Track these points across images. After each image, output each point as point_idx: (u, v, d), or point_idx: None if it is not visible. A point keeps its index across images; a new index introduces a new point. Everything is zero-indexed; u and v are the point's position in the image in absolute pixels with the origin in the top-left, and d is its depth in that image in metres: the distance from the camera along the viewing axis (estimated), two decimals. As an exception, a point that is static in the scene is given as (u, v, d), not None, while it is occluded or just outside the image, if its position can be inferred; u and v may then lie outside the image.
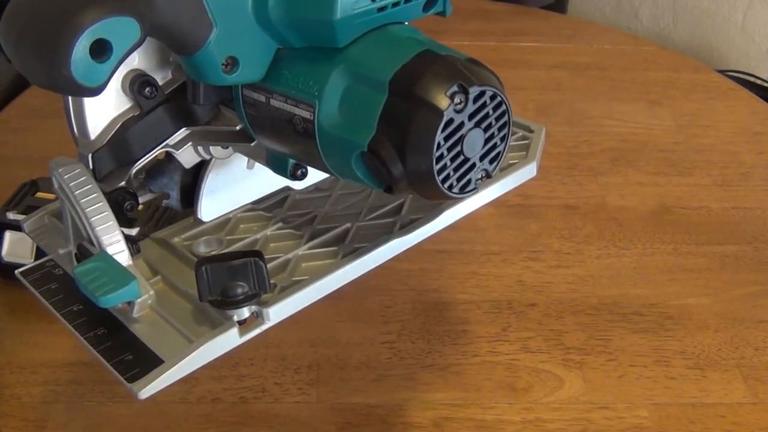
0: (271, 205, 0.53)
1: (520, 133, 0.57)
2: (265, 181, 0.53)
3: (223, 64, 0.42)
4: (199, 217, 0.52)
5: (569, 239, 0.76)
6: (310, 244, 0.49)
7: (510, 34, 1.13)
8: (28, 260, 0.64)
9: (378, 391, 0.60)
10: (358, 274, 0.47)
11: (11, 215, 0.65)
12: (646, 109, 0.97)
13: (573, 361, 0.63)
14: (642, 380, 0.62)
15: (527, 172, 0.54)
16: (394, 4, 0.43)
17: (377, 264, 0.48)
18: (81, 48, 0.36)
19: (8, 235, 0.65)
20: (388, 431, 0.57)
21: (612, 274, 0.72)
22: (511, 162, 0.54)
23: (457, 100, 0.40)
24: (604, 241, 0.76)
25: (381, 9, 0.43)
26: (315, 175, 0.53)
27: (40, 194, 0.67)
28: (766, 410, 0.60)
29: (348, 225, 0.50)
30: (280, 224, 0.51)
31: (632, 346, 0.65)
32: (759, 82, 1.34)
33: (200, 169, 0.51)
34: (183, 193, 0.51)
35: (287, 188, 0.54)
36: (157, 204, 0.56)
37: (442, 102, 0.39)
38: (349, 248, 0.48)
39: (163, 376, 0.41)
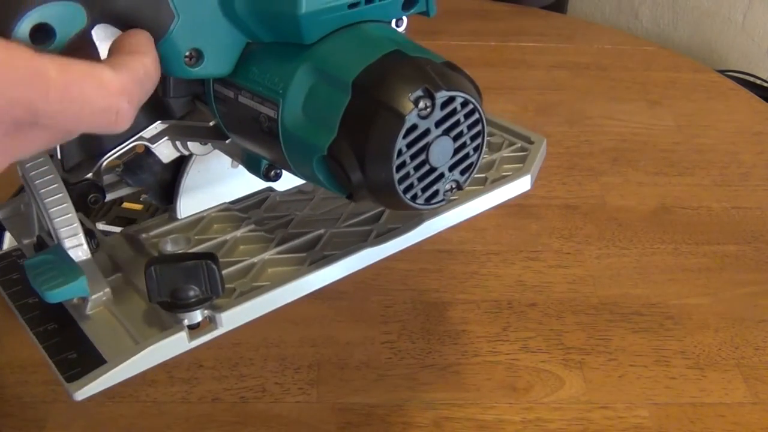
0: (248, 206, 0.51)
1: (519, 144, 0.53)
2: (248, 181, 0.51)
3: (186, 57, 0.40)
4: (176, 214, 0.50)
5: (569, 239, 0.76)
6: (279, 248, 0.47)
7: (510, 34, 1.13)
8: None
9: (378, 391, 0.60)
10: (323, 284, 0.45)
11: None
12: (646, 109, 0.97)
13: (573, 361, 0.63)
14: (642, 380, 0.62)
15: (520, 185, 0.51)
16: (368, 1, 0.41)
17: (345, 274, 0.46)
18: (20, 32, 0.35)
19: (8, 234, 0.65)
20: (388, 431, 0.57)
21: (612, 274, 0.72)
22: (504, 174, 0.51)
23: (421, 105, 0.37)
24: (604, 241, 0.76)
25: (352, 5, 0.40)
26: (298, 179, 0.51)
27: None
28: (766, 410, 0.60)
29: (321, 231, 0.48)
30: (252, 226, 0.49)
31: (632, 346, 0.65)
32: (759, 82, 1.34)
33: (181, 165, 0.49)
34: (162, 189, 0.50)
35: (270, 189, 0.52)
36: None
37: (405, 106, 0.37)
38: (318, 255, 0.46)
39: (102, 377, 0.39)
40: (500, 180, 0.51)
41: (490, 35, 1.13)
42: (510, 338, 0.65)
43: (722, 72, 1.13)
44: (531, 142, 0.54)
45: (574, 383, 0.62)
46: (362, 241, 0.47)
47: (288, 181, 0.51)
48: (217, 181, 0.51)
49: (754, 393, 0.61)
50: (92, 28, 0.37)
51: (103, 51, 0.39)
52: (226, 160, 0.50)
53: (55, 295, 0.41)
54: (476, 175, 0.50)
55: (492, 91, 0.97)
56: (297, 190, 0.53)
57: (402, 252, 0.48)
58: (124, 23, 0.38)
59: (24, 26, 0.35)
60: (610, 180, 0.84)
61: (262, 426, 0.57)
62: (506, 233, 0.76)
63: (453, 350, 0.64)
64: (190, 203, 0.50)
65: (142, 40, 0.37)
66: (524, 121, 0.93)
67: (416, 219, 0.48)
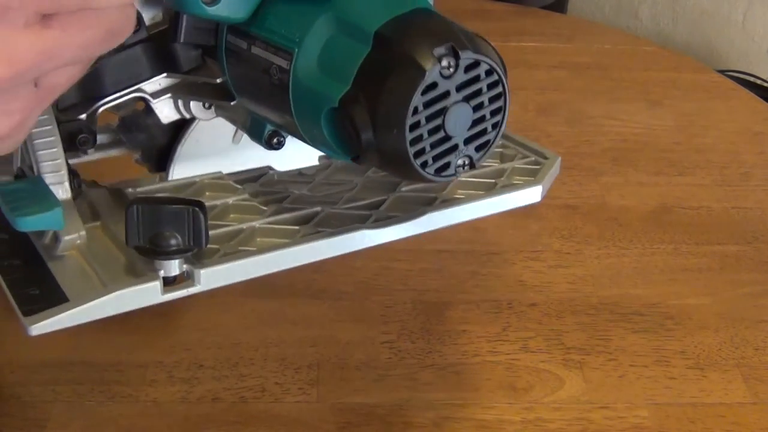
0: (243, 179, 0.49)
1: (533, 158, 0.52)
2: (247, 158, 0.49)
3: None
4: (168, 178, 0.48)
5: (569, 239, 0.76)
6: (271, 219, 0.45)
7: (510, 34, 1.13)
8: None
9: (378, 391, 0.60)
10: (311, 260, 0.43)
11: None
12: (646, 109, 0.97)
13: (573, 361, 0.63)
14: (642, 380, 0.62)
15: (530, 195, 0.49)
16: None
17: (337, 253, 0.44)
18: None
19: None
20: (388, 431, 0.57)
21: (612, 274, 0.72)
22: (514, 182, 0.50)
23: (444, 63, 0.35)
24: (604, 241, 0.76)
25: None
26: (299, 161, 0.49)
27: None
28: (766, 410, 0.60)
29: (318, 209, 0.46)
30: (246, 196, 0.47)
31: (632, 346, 0.65)
32: (759, 82, 1.35)
33: (179, 131, 0.48)
34: (156, 154, 0.48)
35: (269, 167, 0.51)
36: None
37: (428, 61, 0.35)
38: (311, 230, 0.44)
39: (61, 315, 0.37)
40: (510, 187, 0.50)
41: (490, 35, 1.12)
42: (510, 338, 0.65)
43: (722, 72, 1.13)
44: (545, 158, 0.53)
45: (574, 383, 0.62)
46: (359, 223, 0.45)
47: (289, 162, 0.49)
48: (214, 154, 0.49)
49: (754, 393, 0.61)
50: None
51: None
52: (228, 133, 0.48)
53: (27, 222, 0.39)
54: (485, 180, 0.49)
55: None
56: (297, 172, 0.51)
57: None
58: None
59: None
60: (610, 180, 0.84)
61: (262, 426, 0.57)
62: (506, 233, 0.76)
63: (453, 350, 0.64)
64: (183, 172, 0.48)
65: None
66: (524, 121, 0.93)
67: (418, 211, 0.47)
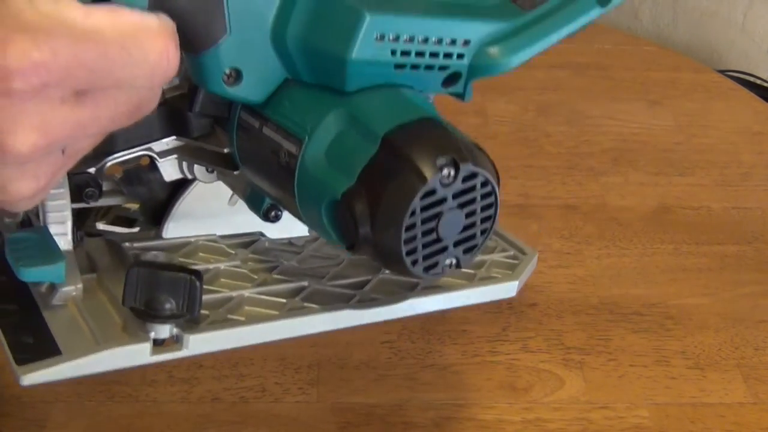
0: (236, 244, 0.51)
1: (512, 252, 0.54)
2: (241, 222, 0.51)
3: (225, 74, 0.40)
4: (161, 233, 0.50)
5: (569, 239, 0.76)
6: (260, 289, 0.47)
7: (510, 34, 1.13)
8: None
9: (378, 390, 0.60)
10: (295, 335, 0.45)
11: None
12: (646, 109, 0.97)
13: (573, 361, 0.63)
14: (642, 380, 0.62)
15: (506, 290, 0.52)
16: (414, 66, 0.41)
17: (319, 330, 0.46)
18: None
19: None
20: (388, 431, 0.57)
21: (612, 274, 0.72)
22: (493, 275, 0.52)
23: (445, 172, 0.38)
24: (604, 241, 0.76)
25: (399, 66, 0.41)
26: (290, 230, 0.51)
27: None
28: (766, 410, 0.60)
29: (305, 283, 0.48)
30: (237, 262, 0.49)
31: (632, 346, 0.65)
32: (759, 82, 1.34)
33: (178, 189, 0.49)
34: (154, 208, 0.50)
35: (260, 234, 0.52)
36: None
37: (430, 169, 0.37)
38: (297, 305, 0.46)
39: (54, 368, 0.38)
40: (488, 279, 0.52)
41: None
42: (510, 338, 0.65)
43: (722, 72, 1.13)
44: (524, 254, 0.55)
45: (574, 383, 0.62)
46: (343, 302, 0.47)
47: (280, 231, 0.51)
48: (210, 214, 0.50)
49: (754, 393, 0.61)
50: None
51: None
52: (225, 196, 0.50)
53: (29, 273, 0.40)
54: (466, 270, 0.51)
55: (492, 90, 0.97)
56: (287, 242, 0.53)
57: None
58: (177, 24, 0.38)
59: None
60: (610, 180, 0.84)
61: (262, 426, 0.57)
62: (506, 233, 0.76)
63: (453, 350, 0.64)
64: (177, 228, 0.50)
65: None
66: (524, 121, 0.93)
67: (399, 295, 0.48)
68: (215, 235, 0.51)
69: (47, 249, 0.41)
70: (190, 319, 0.41)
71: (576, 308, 0.68)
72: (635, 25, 1.48)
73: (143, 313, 0.40)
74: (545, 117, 0.95)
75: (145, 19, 0.33)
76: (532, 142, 0.90)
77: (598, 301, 0.69)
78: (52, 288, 0.42)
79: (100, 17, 0.31)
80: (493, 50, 0.43)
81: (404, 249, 0.39)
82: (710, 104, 0.99)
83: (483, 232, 0.41)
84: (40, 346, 0.39)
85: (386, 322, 0.65)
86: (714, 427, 0.59)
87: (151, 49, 0.33)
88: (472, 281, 0.51)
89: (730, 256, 0.75)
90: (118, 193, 0.49)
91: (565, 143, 0.90)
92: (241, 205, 0.49)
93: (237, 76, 0.41)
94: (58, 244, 0.42)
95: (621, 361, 0.64)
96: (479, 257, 0.52)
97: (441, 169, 0.38)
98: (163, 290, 0.40)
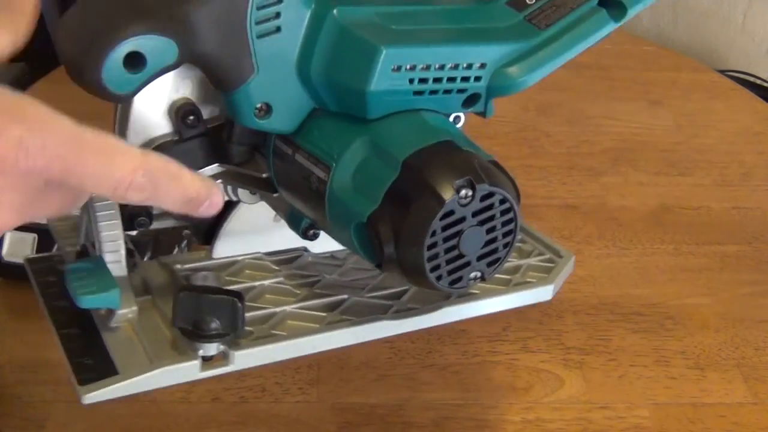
0: (281, 260, 0.53)
1: (548, 255, 0.55)
2: (285, 237, 0.53)
3: (257, 109, 0.43)
4: (211, 253, 0.52)
5: (569, 239, 0.76)
6: (302, 304, 0.49)
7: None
8: (28, 260, 0.64)
9: (378, 390, 0.60)
10: (336, 346, 0.47)
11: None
12: (646, 109, 0.97)
13: (573, 361, 0.63)
14: (642, 380, 0.62)
15: (542, 293, 0.53)
16: (432, 92, 0.43)
17: (358, 341, 0.48)
18: (116, 55, 0.38)
19: (8, 235, 0.65)
20: (388, 431, 0.57)
21: (612, 274, 0.72)
22: (528, 280, 0.53)
23: (462, 193, 0.39)
24: (604, 241, 0.76)
25: (417, 93, 0.43)
26: (333, 244, 0.53)
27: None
28: (766, 410, 0.60)
29: (344, 296, 0.50)
30: (281, 279, 0.51)
31: (632, 346, 0.65)
32: (759, 82, 1.34)
33: (226, 209, 0.51)
34: (203, 229, 0.52)
35: (304, 249, 0.54)
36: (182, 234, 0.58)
37: (447, 192, 0.39)
38: (336, 318, 0.48)
39: (111, 387, 0.41)
40: (523, 284, 0.52)
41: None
42: (510, 338, 0.65)
43: (722, 72, 1.13)
44: (560, 256, 0.55)
45: (574, 383, 0.62)
46: (381, 313, 0.49)
47: (322, 245, 0.53)
48: (256, 232, 0.53)
49: (754, 393, 0.61)
50: (179, 65, 0.40)
51: (177, 86, 0.45)
52: (269, 213, 0.52)
53: (88, 300, 0.43)
54: (501, 276, 0.52)
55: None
56: (330, 255, 0.55)
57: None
58: (208, 67, 0.42)
59: (120, 51, 0.38)
60: (610, 180, 0.84)
61: (262, 426, 0.57)
62: (506, 233, 0.76)
63: (453, 350, 0.64)
64: (226, 247, 0.52)
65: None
66: (524, 121, 0.93)
67: (435, 304, 0.50)
68: (260, 253, 0.53)
69: (103, 277, 0.44)
70: (235, 336, 0.44)
71: (576, 308, 0.68)
72: (635, 25, 1.48)
73: (192, 333, 0.43)
74: (545, 117, 0.95)
75: (129, 147, 0.36)
76: (532, 141, 0.90)
77: (598, 301, 0.69)
78: (110, 312, 0.45)
79: (85, 128, 0.35)
80: (511, 70, 0.45)
81: (428, 266, 0.40)
82: (710, 104, 0.99)
83: (505, 245, 0.42)
84: (99, 367, 0.42)
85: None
86: (714, 427, 0.59)
87: (120, 167, 0.35)
88: (507, 286, 0.52)
89: (730, 256, 0.75)
90: (169, 217, 0.51)
91: (565, 143, 0.90)
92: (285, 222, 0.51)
93: (267, 109, 0.43)
94: (114, 270, 0.45)
95: (621, 361, 0.64)
96: (515, 262, 0.54)
97: (458, 190, 0.39)
98: (209, 311, 0.43)
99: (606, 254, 0.74)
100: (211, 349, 0.43)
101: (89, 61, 0.38)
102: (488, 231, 0.41)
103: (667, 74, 1.05)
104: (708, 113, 0.97)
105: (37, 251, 0.63)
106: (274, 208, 0.51)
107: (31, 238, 0.64)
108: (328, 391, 0.60)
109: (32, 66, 1.03)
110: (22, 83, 0.96)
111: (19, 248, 0.65)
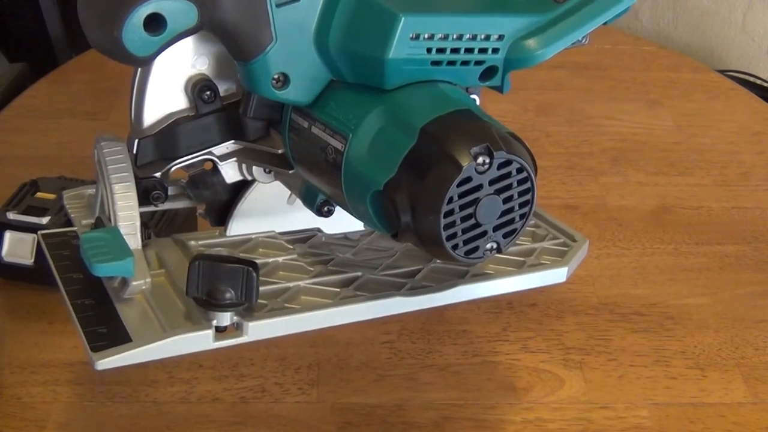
0: (294, 239, 0.54)
1: (562, 239, 0.55)
2: (300, 219, 0.53)
3: (274, 79, 0.43)
4: (226, 232, 0.53)
5: (569, 239, 0.76)
6: (315, 280, 0.49)
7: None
8: (28, 260, 0.64)
9: (378, 391, 0.60)
10: (349, 321, 0.47)
11: (11, 215, 0.64)
12: (646, 109, 0.97)
13: (573, 361, 0.63)
14: (642, 380, 0.62)
15: (555, 275, 0.52)
16: (449, 63, 0.43)
17: (371, 317, 0.48)
18: (137, 17, 0.38)
19: (8, 235, 0.65)
20: (388, 431, 0.57)
21: (612, 274, 0.72)
22: (542, 262, 0.53)
23: (480, 160, 0.39)
24: (604, 241, 0.76)
25: (435, 63, 0.43)
26: (346, 225, 0.53)
27: (40, 194, 0.67)
28: (766, 410, 0.60)
29: (358, 273, 0.50)
30: (295, 256, 0.51)
31: (632, 346, 0.65)
32: (759, 82, 1.34)
33: (240, 190, 0.52)
34: (218, 209, 0.52)
35: (317, 229, 0.55)
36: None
37: (465, 158, 0.39)
38: (350, 293, 0.48)
39: (125, 354, 0.41)
40: (537, 266, 0.52)
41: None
42: (510, 338, 0.65)
43: (722, 72, 1.13)
44: (574, 241, 0.55)
45: (574, 383, 0.62)
46: (395, 290, 0.49)
47: (336, 225, 0.54)
48: (270, 213, 0.53)
49: (754, 393, 0.61)
50: (198, 30, 0.40)
51: (194, 62, 0.45)
52: (284, 194, 0.53)
53: (102, 268, 0.43)
54: (515, 258, 0.52)
55: (492, 90, 0.97)
56: (343, 236, 0.55)
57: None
58: (226, 35, 0.42)
59: (140, 12, 0.38)
60: (610, 180, 0.84)
61: (262, 426, 0.57)
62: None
63: (453, 350, 0.64)
64: (240, 226, 0.53)
65: None
66: (524, 121, 0.93)
67: (450, 282, 0.50)
68: (274, 232, 0.53)
69: (117, 246, 0.44)
70: (249, 308, 0.44)
71: (576, 308, 0.68)
72: (635, 25, 1.48)
73: (205, 303, 0.43)
74: (545, 117, 0.95)
75: None
76: (532, 142, 0.89)
77: (597, 301, 0.69)
78: (124, 283, 0.45)
79: None
80: (528, 42, 0.45)
81: (444, 234, 0.40)
82: (710, 104, 0.99)
83: (522, 216, 0.42)
84: (113, 335, 0.43)
85: (386, 322, 0.65)
86: (714, 427, 0.59)
87: None
88: (521, 268, 0.52)
89: (729, 256, 0.75)
90: (184, 197, 0.51)
91: (565, 143, 0.90)
92: (299, 203, 0.51)
93: (285, 80, 0.44)
94: (129, 243, 0.45)
95: (621, 361, 0.64)
96: (529, 245, 0.54)
97: (476, 157, 0.39)
98: (223, 280, 0.42)
99: (606, 254, 0.74)
100: (225, 318, 0.43)
101: (110, 23, 0.38)
102: (505, 201, 0.41)
103: (667, 74, 1.05)
104: (708, 113, 0.97)
105: (38, 252, 0.63)
106: (289, 186, 0.51)
107: (30, 238, 0.64)
108: (328, 391, 0.60)
109: (32, 66, 1.03)
110: (22, 83, 0.96)
111: (19, 248, 0.65)
